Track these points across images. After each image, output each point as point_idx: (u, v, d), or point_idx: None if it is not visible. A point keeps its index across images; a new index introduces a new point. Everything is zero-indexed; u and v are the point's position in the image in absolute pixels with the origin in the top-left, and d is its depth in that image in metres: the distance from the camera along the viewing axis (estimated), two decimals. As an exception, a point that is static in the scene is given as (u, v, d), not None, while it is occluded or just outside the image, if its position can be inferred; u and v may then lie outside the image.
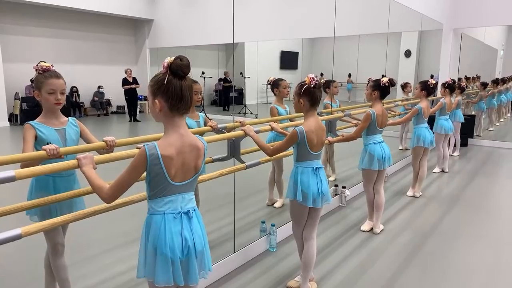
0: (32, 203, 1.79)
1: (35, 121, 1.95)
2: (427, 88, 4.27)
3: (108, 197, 1.45)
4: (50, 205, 1.93)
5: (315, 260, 2.47)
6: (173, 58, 1.42)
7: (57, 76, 1.96)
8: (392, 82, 3.26)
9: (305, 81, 2.29)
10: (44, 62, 1.96)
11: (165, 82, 1.41)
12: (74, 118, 2.12)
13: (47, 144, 1.84)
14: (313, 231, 2.47)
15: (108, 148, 2.01)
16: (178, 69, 1.41)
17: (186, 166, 1.49)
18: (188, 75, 1.47)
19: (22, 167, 1.71)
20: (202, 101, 12.03)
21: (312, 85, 2.26)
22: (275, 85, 3.76)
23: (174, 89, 1.41)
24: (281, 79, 3.79)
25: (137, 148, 1.94)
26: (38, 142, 1.91)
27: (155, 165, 1.41)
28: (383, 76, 3.40)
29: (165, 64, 1.41)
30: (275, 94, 3.80)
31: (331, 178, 4.85)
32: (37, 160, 1.78)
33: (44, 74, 1.93)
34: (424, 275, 2.78)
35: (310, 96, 2.28)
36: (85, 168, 1.55)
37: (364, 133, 3.35)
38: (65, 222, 1.73)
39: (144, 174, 1.48)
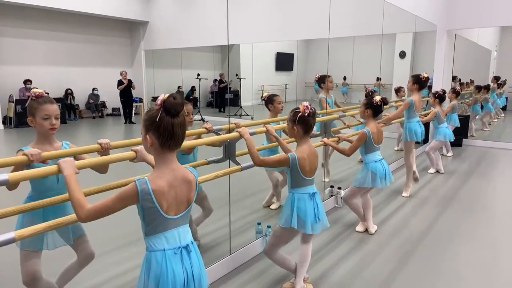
0: (23, 207, 1.77)
1: (28, 146, 1.93)
2: (419, 82, 4.27)
3: (86, 217, 1.42)
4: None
5: (309, 260, 2.48)
6: (167, 95, 1.43)
7: (51, 101, 1.98)
8: (384, 101, 3.30)
9: (299, 109, 2.31)
10: (37, 88, 1.99)
11: (157, 119, 1.42)
12: (68, 142, 2.11)
13: None
14: (310, 239, 2.50)
15: (103, 150, 2.00)
16: (171, 107, 1.42)
17: (178, 199, 1.49)
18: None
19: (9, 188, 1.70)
20: (198, 102, 12.00)
21: (307, 114, 2.28)
22: (269, 101, 3.78)
23: (165, 127, 1.42)
24: (275, 95, 3.83)
25: (132, 150, 1.93)
26: (31, 168, 1.86)
27: (147, 200, 1.41)
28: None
29: (159, 102, 1.42)
30: (269, 110, 3.83)
31: (326, 180, 4.86)
32: (19, 166, 1.76)
33: (38, 100, 1.94)
34: (420, 275, 2.79)
35: (304, 124, 2.31)
36: (68, 173, 1.51)
37: (363, 152, 3.37)
38: (59, 226, 1.71)
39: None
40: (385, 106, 3.29)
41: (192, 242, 1.56)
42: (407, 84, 4.73)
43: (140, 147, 1.87)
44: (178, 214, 1.51)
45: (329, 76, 4.80)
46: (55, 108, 1.97)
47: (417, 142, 4.74)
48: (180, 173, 1.51)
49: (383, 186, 3.49)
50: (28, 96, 1.97)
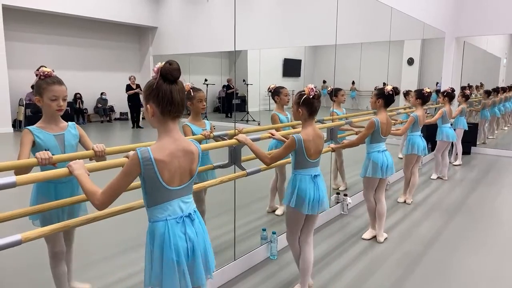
0: (33, 209, 1.80)
1: (34, 126, 1.95)
2: (422, 97, 4.32)
3: (100, 203, 1.44)
4: (51, 211, 1.93)
5: (312, 265, 2.46)
6: (163, 62, 1.44)
7: (60, 82, 1.96)
8: (396, 91, 3.27)
9: (304, 91, 2.31)
10: (45, 67, 1.95)
11: (154, 87, 1.42)
12: (74, 123, 2.12)
13: (45, 150, 1.83)
14: (309, 236, 2.48)
15: (98, 156, 1.97)
16: (168, 73, 1.42)
17: (182, 170, 1.49)
18: (180, 78, 1.47)
19: (15, 173, 1.70)
20: (206, 107, 12.07)
21: (311, 96, 2.29)
22: (276, 92, 3.80)
23: (164, 93, 1.42)
24: (282, 87, 3.83)
25: (124, 157, 1.92)
26: (36, 148, 1.91)
27: (149, 170, 1.41)
28: (384, 84, 3.42)
29: (156, 69, 1.43)
30: (276, 102, 3.84)
31: (342, 188, 4.84)
32: (29, 168, 1.78)
33: (46, 80, 1.92)
34: (426, 284, 2.75)
35: (309, 106, 2.31)
36: (78, 172, 1.54)
37: (368, 141, 3.35)
38: (65, 228, 1.73)
39: (138, 182, 1.47)
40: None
41: (195, 211, 1.56)
42: (410, 99, 4.75)
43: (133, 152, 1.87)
44: (182, 185, 1.51)
45: (340, 90, 4.84)
46: (63, 90, 1.96)
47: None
48: (183, 144, 1.50)
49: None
50: (37, 75, 1.94)
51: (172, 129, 1.48)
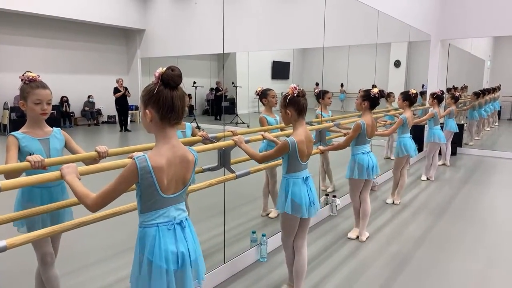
0: (17, 215, 1.76)
1: (18, 131, 1.94)
2: (409, 98, 4.37)
3: (94, 205, 1.42)
4: (36, 217, 1.90)
5: (306, 269, 2.47)
6: (165, 68, 1.41)
7: (44, 86, 1.95)
8: (382, 93, 3.31)
9: (288, 92, 2.30)
10: (30, 72, 1.95)
11: (155, 92, 1.40)
12: (59, 128, 2.10)
13: (30, 155, 1.81)
14: (304, 240, 2.48)
15: (100, 158, 1.99)
16: (170, 79, 1.40)
17: (176, 177, 1.48)
18: (180, 85, 1.46)
19: (6, 178, 1.68)
20: (194, 110, 12.01)
21: (296, 94, 2.28)
22: (263, 95, 3.81)
23: (165, 99, 1.40)
24: (269, 89, 3.84)
25: (128, 158, 1.92)
26: (21, 153, 1.89)
27: (147, 178, 1.39)
28: (373, 86, 3.45)
29: (157, 74, 1.40)
30: (264, 104, 3.86)
31: (330, 189, 4.86)
32: (20, 171, 1.76)
33: (31, 84, 1.92)
34: (414, 285, 2.78)
35: (295, 105, 2.28)
36: (69, 177, 1.52)
37: (353, 143, 3.39)
38: (51, 233, 1.70)
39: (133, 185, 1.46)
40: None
41: (186, 219, 1.55)
42: (397, 101, 4.80)
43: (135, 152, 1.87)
44: (176, 192, 1.49)
45: (327, 92, 4.85)
46: (47, 93, 1.95)
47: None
48: (180, 152, 1.48)
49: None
50: (22, 80, 1.94)
51: (170, 136, 1.46)
